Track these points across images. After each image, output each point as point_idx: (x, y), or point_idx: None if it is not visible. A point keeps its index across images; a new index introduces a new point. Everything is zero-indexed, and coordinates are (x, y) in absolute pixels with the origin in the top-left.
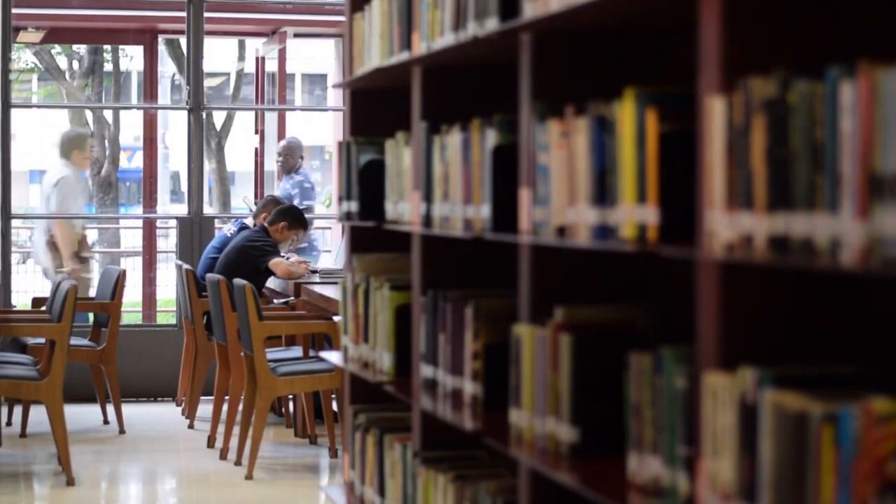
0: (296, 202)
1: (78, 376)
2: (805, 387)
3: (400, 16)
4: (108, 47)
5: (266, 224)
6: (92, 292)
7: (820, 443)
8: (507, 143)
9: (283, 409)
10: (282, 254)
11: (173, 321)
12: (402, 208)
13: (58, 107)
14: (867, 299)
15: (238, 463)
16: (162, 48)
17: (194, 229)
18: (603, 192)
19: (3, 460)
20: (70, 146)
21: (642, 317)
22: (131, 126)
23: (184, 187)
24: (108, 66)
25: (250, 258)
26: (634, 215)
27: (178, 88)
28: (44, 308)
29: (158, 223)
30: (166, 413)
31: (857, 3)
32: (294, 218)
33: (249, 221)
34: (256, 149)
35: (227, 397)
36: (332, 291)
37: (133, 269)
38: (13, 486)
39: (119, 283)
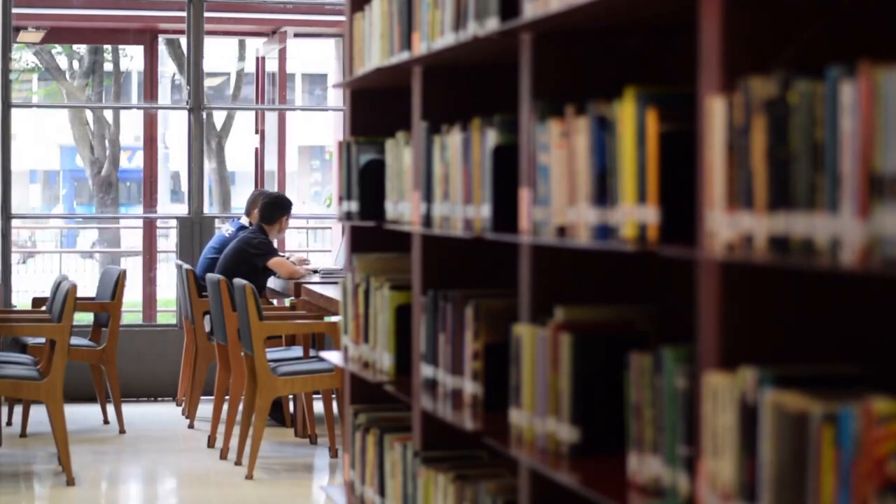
0: None
1: (78, 376)
2: (805, 387)
3: (400, 16)
4: (108, 47)
5: (262, 223)
6: None
7: (820, 443)
8: (507, 142)
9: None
10: (281, 252)
11: (173, 321)
12: (403, 208)
13: (58, 107)
14: (867, 299)
15: (238, 463)
16: (162, 48)
17: (194, 229)
18: (603, 192)
19: (3, 460)
20: None
21: (642, 317)
22: (131, 126)
23: (184, 187)
24: (109, 66)
25: (248, 258)
26: (634, 215)
27: (178, 88)
28: (44, 308)
29: (158, 223)
30: (166, 413)
31: (857, 3)
32: (282, 206)
33: (245, 221)
34: (256, 149)
35: (227, 397)
36: (332, 291)
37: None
38: (13, 486)
39: (119, 283)
